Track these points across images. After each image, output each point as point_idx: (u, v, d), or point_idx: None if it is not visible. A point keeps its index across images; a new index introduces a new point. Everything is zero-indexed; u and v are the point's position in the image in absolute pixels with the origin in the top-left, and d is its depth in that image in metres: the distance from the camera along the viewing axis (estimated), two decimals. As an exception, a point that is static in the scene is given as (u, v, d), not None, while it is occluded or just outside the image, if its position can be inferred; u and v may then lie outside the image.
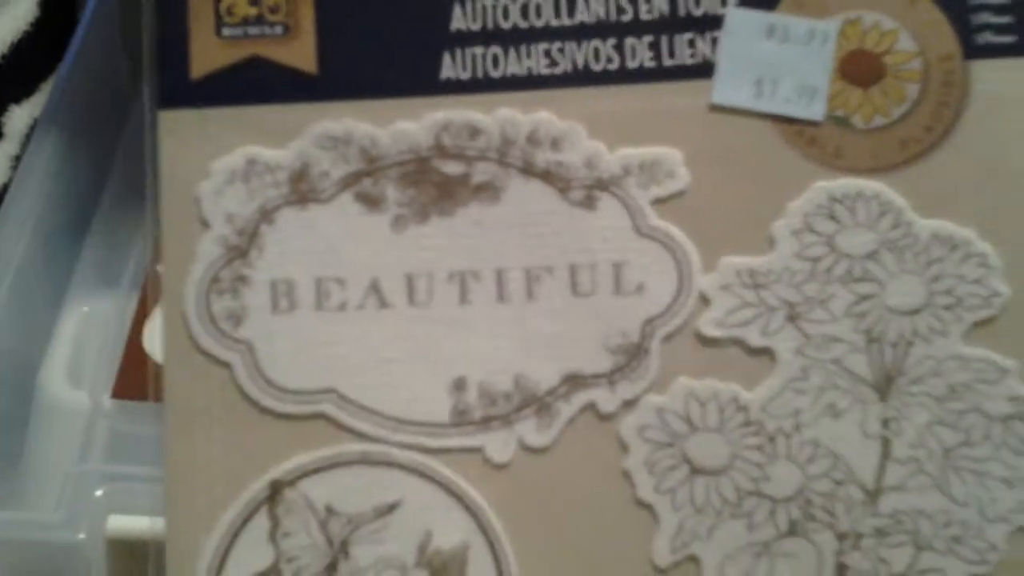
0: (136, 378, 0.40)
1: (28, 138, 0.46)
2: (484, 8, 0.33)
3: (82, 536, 0.36)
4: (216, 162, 0.32)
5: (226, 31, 0.33)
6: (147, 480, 0.36)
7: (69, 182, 0.45)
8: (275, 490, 0.31)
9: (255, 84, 0.33)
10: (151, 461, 0.36)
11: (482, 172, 0.33)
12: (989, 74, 0.33)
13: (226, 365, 0.32)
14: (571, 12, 0.34)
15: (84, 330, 0.43)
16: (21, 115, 0.47)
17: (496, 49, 0.33)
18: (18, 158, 0.45)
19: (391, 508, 0.31)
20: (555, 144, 0.33)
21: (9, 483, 0.40)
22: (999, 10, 0.34)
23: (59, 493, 0.37)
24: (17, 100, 0.48)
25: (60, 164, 0.45)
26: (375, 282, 0.32)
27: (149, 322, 0.41)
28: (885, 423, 0.32)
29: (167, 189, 0.32)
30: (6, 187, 0.44)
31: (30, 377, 0.42)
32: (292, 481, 0.31)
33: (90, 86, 0.48)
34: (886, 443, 0.32)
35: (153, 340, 0.39)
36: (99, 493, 0.37)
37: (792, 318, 0.32)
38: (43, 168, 0.44)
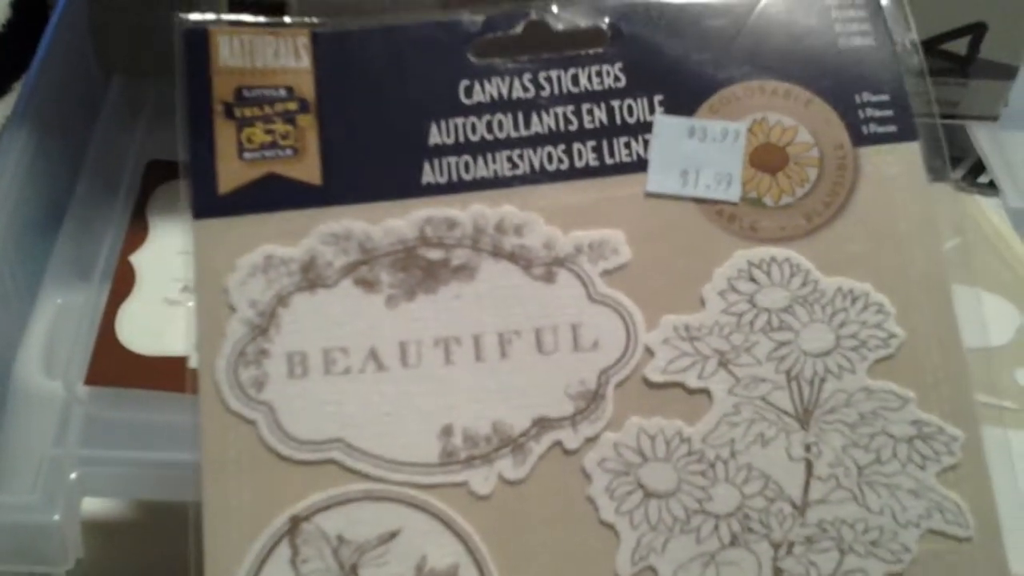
0: (108, 366, 0.40)
1: (0, 136, 0.44)
2: (456, 126, 0.36)
3: (57, 517, 0.36)
4: (240, 259, 0.35)
5: (247, 155, 0.36)
6: (120, 464, 0.37)
7: (41, 178, 0.44)
8: (294, 524, 0.33)
9: (271, 195, 0.35)
10: (124, 446, 0.37)
11: (459, 257, 0.35)
12: (875, 158, 0.36)
13: (251, 422, 0.33)
14: (527, 125, 0.36)
15: (58, 321, 0.43)
16: (-6, 114, 0.46)
17: (467, 157, 0.36)
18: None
19: (392, 536, 0.33)
20: (518, 231, 0.35)
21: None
22: (880, 106, 0.37)
23: (35, 476, 0.37)
24: (-10, 99, 0.46)
25: (32, 160, 0.44)
26: (373, 350, 0.34)
27: (122, 312, 0.41)
28: (807, 448, 0.34)
29: (201, 282, 0.34)
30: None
31: (6, 367, 0.41)
32: (308, 516, 0.33)
33: (61, 83, 0.47)
34: (809, 464, 0.34)
35: (128, 329, 0.40)
36: (73, 476, 0.37)
37: (723, 363, 0.35)
38: (15, 165, 0.43)
